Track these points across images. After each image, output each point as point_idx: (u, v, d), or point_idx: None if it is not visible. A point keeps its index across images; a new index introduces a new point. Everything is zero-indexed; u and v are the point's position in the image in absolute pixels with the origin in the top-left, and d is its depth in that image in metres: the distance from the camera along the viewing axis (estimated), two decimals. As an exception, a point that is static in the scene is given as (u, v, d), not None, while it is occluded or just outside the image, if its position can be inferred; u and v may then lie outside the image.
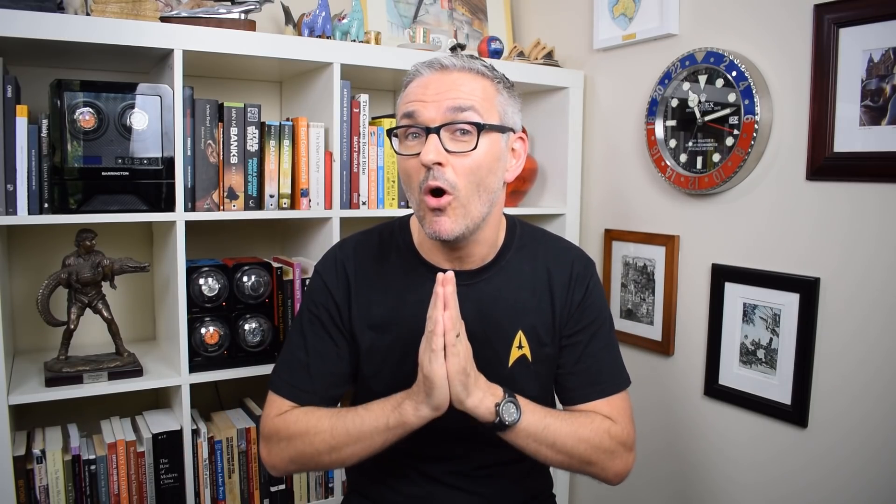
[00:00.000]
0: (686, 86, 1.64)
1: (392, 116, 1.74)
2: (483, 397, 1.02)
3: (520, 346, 1.15)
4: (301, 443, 1.10)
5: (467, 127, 1.02)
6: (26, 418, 1.51)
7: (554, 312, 1.17)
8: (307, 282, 1.61)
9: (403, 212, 1.28)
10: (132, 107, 1.38)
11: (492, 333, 1.14)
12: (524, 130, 2.01)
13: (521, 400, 1.06)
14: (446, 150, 1.02)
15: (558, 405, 1.23)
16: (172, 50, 1.39)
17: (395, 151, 1.08)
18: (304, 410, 1.13)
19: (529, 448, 1.07)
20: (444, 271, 1.09)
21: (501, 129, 1.07)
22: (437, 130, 1.01)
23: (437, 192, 1.03)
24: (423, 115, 1.03)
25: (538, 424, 1.06)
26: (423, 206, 1.05)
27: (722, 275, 1.59)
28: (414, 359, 1.07)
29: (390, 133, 1.08)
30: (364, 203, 1.70)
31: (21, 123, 1.31)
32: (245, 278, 1.56)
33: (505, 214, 1.23)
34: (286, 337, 1.24)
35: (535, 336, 1.16)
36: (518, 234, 1.21)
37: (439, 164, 1.01)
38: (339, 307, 1.16)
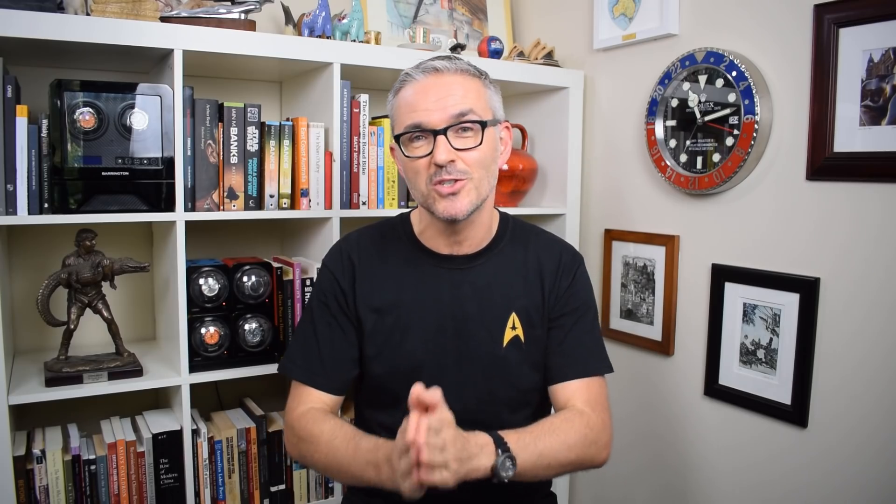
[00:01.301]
0: (686, 86, 1.64)
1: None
2: (476, 466, 1.00)
3: (513, 328, 1.21)
4: (307, 448, 1.17)
5: (470, 125, 1.12)
6: (26, 418, 1.50)
7: (543, 297, 1.24)
8: (307, 281, 1.62)
9: (403, 211, 1.31)
10: (132, 107, 1.38)
11: (487, 315, 1.21)
12: (523, 129, 2.01)
13: (510, 439, 1.05)
14: (454, 148, 1.11)
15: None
16: (172, 50, 1.39)
17: (405, 155, 1.15)
18: (314, 420, 1.17)
19: (527, 479, 1.08)
20: (442, 255, 1.21)
21: (495, 122, 1.18)
22: (444, 132, 1.11)
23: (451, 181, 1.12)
24: (429, 124, 1.11)
25: (531, 458, 1.06)
26: (435, 194, 1.13)
27: (722, 275, 1.59)
28: (412, 339, 1.18)
29: (398, 139, 1.16)
30: (364, 203, 1.70)
31: (21, 123, 1.30)
32: (245, 278, 1.56)
33: (497, 209, 1.31)
34: (298, 325, 1.32)
35: (527, 318, 1.22)
36: (510, 226, 1.29)
37: (451, 161, 1.11)
38: (345, 293, 1.23)
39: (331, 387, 1.22)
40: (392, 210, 1.72)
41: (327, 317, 1.23)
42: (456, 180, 1.11)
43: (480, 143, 1.12)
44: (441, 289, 1.21)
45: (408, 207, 1.75)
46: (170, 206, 1.43)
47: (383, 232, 1.29)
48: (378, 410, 1.26)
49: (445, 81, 1.13)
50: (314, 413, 1.19)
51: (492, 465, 1.01)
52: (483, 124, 1.13)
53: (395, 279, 1.23)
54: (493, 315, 1.21)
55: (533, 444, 1.07)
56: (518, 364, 1.21)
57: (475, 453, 1.00)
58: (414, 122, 1.12)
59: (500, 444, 1.03)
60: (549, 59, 1.98)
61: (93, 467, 1.43)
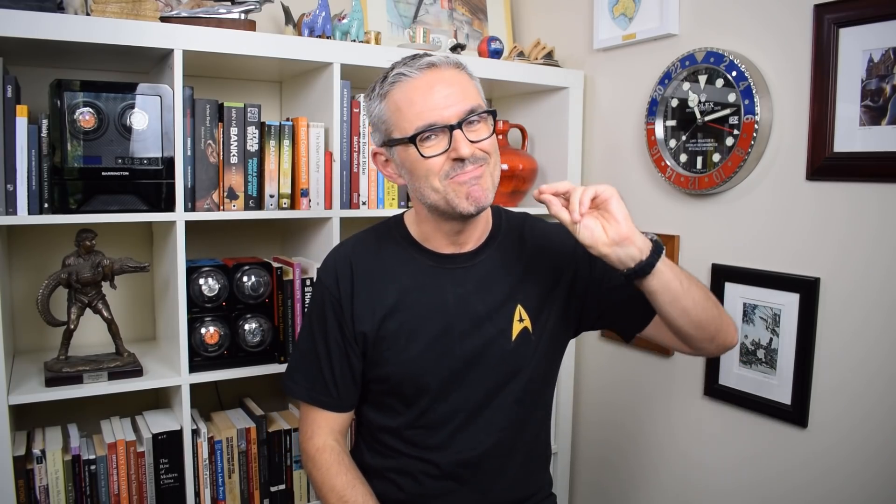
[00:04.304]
0: (686, 86, 1.64)
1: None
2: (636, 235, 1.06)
3: (520, 320, 1.20)
4: (317, 487, 1.21)
5: (476, 117, 1.10)
6: (26, 418, 1.51)
7: (550, 281, 1.22)
8: (307, 281, 1.62)
9: (397, 213, 1.30)
10: (132, 107, 1.38)
11: (493, 310, 1.19)
12: (523, 129, 2.01)
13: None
14: (471, 141, 1.09)
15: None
16: (172, 50, 1.39)
17: (421, 155, 1.09)
18: (328, 467, 1.20)
19: (671, 292, 1.08)
20: (444, 255, 1.20)
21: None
22: (459, 126, 1.08)
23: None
24: (443, 121, 1.08)
25: (677, 269, 1.11)
26: (455, 186, 1.09)
27: (722, 275, 1.59)
28: (418, 344, 1.16)
29: (413, 140, 1.09)
30: (364, 203, 1.70)
31: (21, 123, 1.31)
32: (245, 278, 1.56)
33: None
34: (298, 340, 1.29)
35: (533, 308, 1.21)
36: (504, 217, 1.28)
37: (472, 153, 1.09)
38: (343, 309, 1.20)
39: (339, 406, 1.23)
40: (392, 210, 1.72)
41: (326, 334, 1.21)
42: (476, 167, 1.10)
43: (493, 133, 1.12)
44: (444, 289, 1.19)
45: (408, 207, 1.75)
46: (170, 206, 1.43)
47: (379, 235, 1.26)
48: (381, 414, 1.24)
49: (446, 76, 1.10)
50: (330, 455, 1.20)
51: (651, 239, 1.07)
52: (494, 114, 1.13)
53: (395, 283, 1.20)
54: (499, 310, 1.19)
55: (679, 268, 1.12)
56: (528, 356, 1.20)
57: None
58: (427, 123, 1.07)
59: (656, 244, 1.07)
60: (549, 59, 1.99)
61: (93, 467, 1.43)
